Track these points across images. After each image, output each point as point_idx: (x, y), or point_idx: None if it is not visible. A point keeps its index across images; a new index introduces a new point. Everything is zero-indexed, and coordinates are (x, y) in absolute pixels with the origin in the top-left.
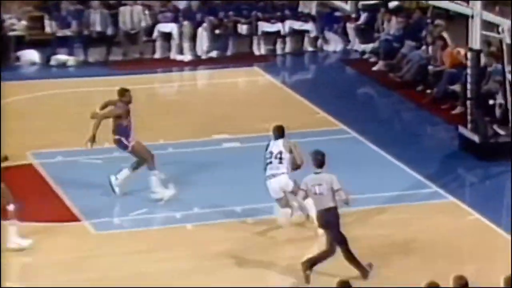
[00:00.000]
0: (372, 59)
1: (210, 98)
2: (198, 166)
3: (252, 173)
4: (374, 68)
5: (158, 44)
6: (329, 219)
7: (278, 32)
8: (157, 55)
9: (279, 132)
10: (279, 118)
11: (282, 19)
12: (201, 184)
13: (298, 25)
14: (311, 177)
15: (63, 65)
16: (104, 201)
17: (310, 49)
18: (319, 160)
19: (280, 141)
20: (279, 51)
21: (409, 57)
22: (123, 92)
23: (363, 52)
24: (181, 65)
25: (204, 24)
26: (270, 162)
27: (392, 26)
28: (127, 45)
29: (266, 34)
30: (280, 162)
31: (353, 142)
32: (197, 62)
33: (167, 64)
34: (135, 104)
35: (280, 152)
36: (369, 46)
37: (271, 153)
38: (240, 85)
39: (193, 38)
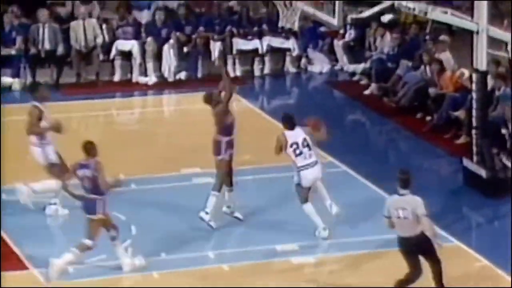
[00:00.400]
0: (363, 81)
1: (178, 126)
2: (165, 205)
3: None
4: (366, 92)
5: (117, 64)
6: (422, 245)
7: (255, 50)
8: (116, 77)
9: (293, 121)
10: (258, 149)
11: (260, 35)
12: (168, 226)
13: (278, 42)
14: (394, 199)
15: (8, 89)
16: (56, 247)
17: (292, 70)
18: (404, 180)
19: (298, 129)
20: (257, 72)
21: (406, 79)
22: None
23: (353, 73)
24: (144, 88)
25: (171, 41)
26: (301, 153)
27: (385, 44)
28: (80, 66)
29: (242, 52)
30: (310, 149)
31: (344, 177)
32: (162, 85)
33: (128, 87)
34: (90, 133)
35: (305, 139)
36: (359, 67)
37: (296, 143)
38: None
39: (158, 57)
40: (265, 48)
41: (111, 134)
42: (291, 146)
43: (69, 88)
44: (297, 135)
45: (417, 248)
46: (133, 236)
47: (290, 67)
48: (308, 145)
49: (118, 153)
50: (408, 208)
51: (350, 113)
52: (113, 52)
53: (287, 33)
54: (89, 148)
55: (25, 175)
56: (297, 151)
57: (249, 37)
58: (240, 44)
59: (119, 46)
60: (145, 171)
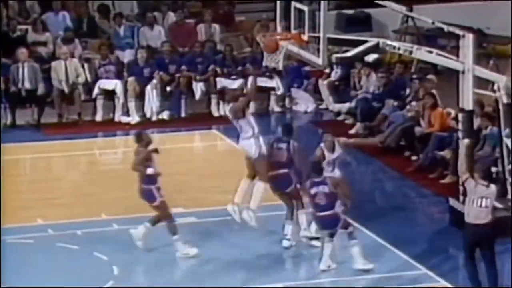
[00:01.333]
0: (349, 121)
1: (161, 166)
2: (147, 246)
3: (211, 252)
4: (351, 131)
5: (99, 103)
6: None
7: (240, 89)
8: (98, 117)
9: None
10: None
11: (244, 75)
12: (151, 267)
13: (262, 81)
14: (480, 188)
15: None
16: None
17: (277, 109)
18: (487, 173)
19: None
20: None
21: (391, 119)
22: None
23: (338, 113)
24: (126, 128)
25: (153, 81)
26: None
27: (370, 83)
28: (62, 106)
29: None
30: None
31: None
32: (145, 125)
33: (110, 127)
34: (72, 173)
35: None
36: (345, 106)
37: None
38: (196, 151)
39: (141, 96)
40: (249, 87)
41: (93, 174)
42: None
43: (51, 128)
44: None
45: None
46: (115, 276)
47: (274, 106)
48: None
49: (100, 193)
50: (491, 197)
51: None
52: (96, 91)
53: (272, 72)
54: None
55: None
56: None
57: (233, 77)
58: (224, 83)
59: (102, 85)
60: (127, 211)
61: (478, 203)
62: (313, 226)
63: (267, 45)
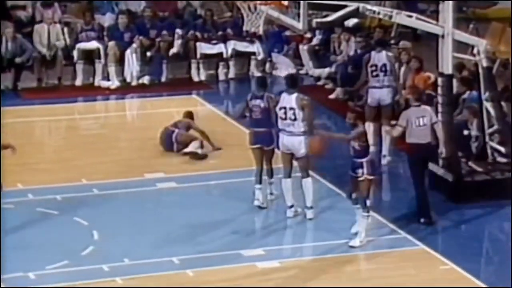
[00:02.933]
0: (329, 86)
1: (142, 131)
2: (128, 210)
3: (189, 217)
4: (331, 96)
5: (79, 68)
6: (430, 155)
7: (220, 54)
8: (78, 82)
9: (295, 84)
10: (223, 154)
11: (224, 40)
12: (131, 232)
13: (243, 46)
14: (412, 110)
15: None
16: (17, 253)
17: (257, 74)
18: (418, 94)
19: (293, 96)
20: (221, 77)
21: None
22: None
23: (318, 78)
24: (107, 93)
25: (133, 45)
26: (284, 118)
27: (350, 48)
28: (42, 70)
29: (206, 56)
30: (294, 120)
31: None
32: (125, 90)
33: (91, 91)
34: (52, 138)
35: (292, 109)
36: (325, 71)
37: (285, 108)
38: (177, 116)
39: (121, 61)
40: (229, 52)
41: (74, 139)
42: (280, 109)
43: (30, 92)
44: (290, 101)
45: (424, 156)
46: (95, 241)
47: (255, 71)
48: (294, 118)
49: (80, 158)
50: (427, 115)
51: (315, 117)
52: (76, 55)
53: (252, 37)
54: None
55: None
56: (282, 116)
57: (214, 41)
58: (204, 48)
59: (81, 47)
60: (108, 176)
61: (417, 123)
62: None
63: (312, 146)
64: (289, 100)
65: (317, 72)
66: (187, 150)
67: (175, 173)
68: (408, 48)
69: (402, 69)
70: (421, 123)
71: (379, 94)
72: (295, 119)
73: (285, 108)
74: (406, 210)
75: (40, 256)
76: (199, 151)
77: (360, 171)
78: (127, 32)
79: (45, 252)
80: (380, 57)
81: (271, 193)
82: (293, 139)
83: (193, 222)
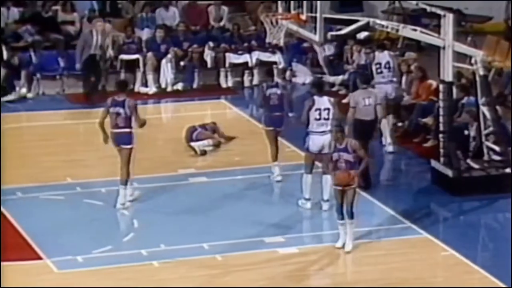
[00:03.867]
0: (342, 91)
1: (176, 132)
2: (163, 202)
3: (218, 208)
4: (344, 101)
5: (121, 76)
6: (372, 130)
7: (245, 63)
8: None
9: (322, 87)
10: (248, 152)
11: (249, 50)
12: (167, 221)
13: (265, 56)
14: (359, 92)
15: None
16: (66, 239)
17: (278, 81)
18: (367, 77)
19: (325, 98)
20: (246, 83)
21: None
22: None
23: (333, 84)
24: (145, 97)
25: (169, 56)
26: (319, 119)
27: (361, 58)
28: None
29: (234, 65)
30: (327, 120)
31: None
32: (161, 95)
33: (131, 96)
34: (96, 138)
35: (327, 109)
36: (338, 78)
37: (320, 110)
38: (207, 118)
39: (158, 70)
40: (254, 61)
41: None
42: (315, 110)
43: (77, 96)
44: (323, 103)
45: (367, 131)
46: (135, 229)
47: (276, 79)
48: (328, 117)
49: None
50: (372, 97)
51: None
52: (118, 64)
53: (274, 48)
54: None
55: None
56: (317, 116)
57: (240, 52)
58: (232, 58)
59: (124, 58)
60: (145, 172)
61: (363, 103)
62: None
63: (338, 178)
64: (323, 101)
65: (331, 79)
66: (194, 144)
67: (205, 169)
68: (408, 59)
69: (403, 77)
70: (367, 103)
71: (385, 88)
72: (328, 119)
73: (320, 109)
74: (411, 203)
75: (87, 241)
76: (207, 148)
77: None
78: (163, 44)
79: (91, 238)
80: (383, 55)
81: (278, 175)
82: (325, 138)
83: (221, 212)
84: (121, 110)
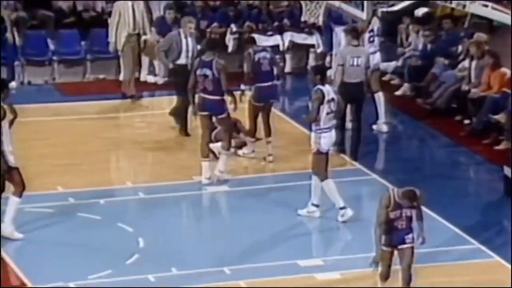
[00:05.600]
0: (395, 81)
1: (191, 129)
2: (175, 216)
3: (241, 223)
4: (398, 93)
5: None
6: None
7: (276, 46)
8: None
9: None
10: (277, 156)
11: (280, 31)
12: (179, 239)
13: (301, 38)
14: (349, 49)
15: None
16: (56, 262)
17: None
18: (356, 33)
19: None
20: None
21: (442, 79)
22: None
23: (384, 73)
24: (152, 88)
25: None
26: (331, 112)
27: (419, 40)
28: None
29: None
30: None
31: (373, 185)
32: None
33: (136, 87)
34: (93, 137)
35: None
36: (391, 65)
37: (333, 100)
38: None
39: None
40: (286, 44)
41: (118, 139)
42: (328, 102)
43: (71, 86)
44: (329, 93)
45: (359, 93)
46: (140, 249)
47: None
48: (335, 109)
49: (125, 159)
50: (362, 56)
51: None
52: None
53: (311, 28)
54: None
55: None
56: (329, 110)
57: (269, 33)
58: (260, 40)
59: None
60: (154, 179)
61: (351, 62)
62: None
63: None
64: (328, 91)
65: (382, 66)
66: (213, 145)
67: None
68: (481, 42)
69: (473, 63)
70: (355, 63)
71: (377, 58)
72: (334, 111)
73: (329, 101)
74: (478, 218)
75: (82, 265)
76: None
77: None
78: (174, 27)
79: (87, 261)
80: (375, 22)
81: (270, 154)
82: (333, 133)
83: (245, 228)
84: (208, 72)
